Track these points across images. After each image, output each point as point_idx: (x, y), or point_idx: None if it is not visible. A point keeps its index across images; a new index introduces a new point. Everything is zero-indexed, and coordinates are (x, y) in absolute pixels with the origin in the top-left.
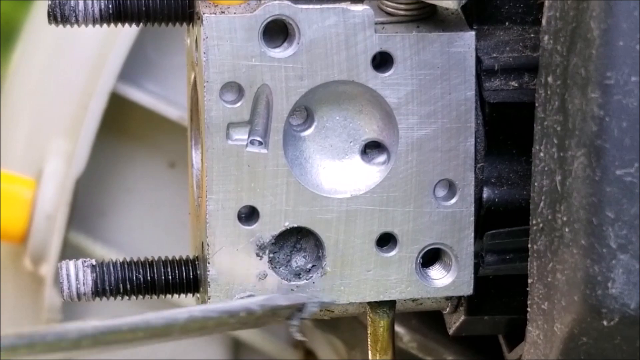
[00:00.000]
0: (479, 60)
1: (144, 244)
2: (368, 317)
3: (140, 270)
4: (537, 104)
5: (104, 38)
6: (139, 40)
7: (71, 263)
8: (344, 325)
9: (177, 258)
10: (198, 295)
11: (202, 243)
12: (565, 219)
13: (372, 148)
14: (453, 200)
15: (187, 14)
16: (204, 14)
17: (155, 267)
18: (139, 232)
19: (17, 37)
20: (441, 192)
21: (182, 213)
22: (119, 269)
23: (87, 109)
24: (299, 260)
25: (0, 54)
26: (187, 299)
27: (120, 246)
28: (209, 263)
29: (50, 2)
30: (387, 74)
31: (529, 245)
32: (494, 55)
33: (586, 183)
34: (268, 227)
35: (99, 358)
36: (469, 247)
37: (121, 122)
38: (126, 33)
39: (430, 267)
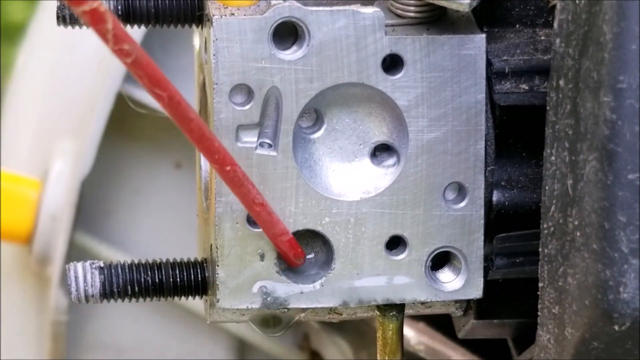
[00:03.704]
0: (489, 63)
1: (150, 245)
2: (377, 320)
3: (149, 273)
4: (548, 108)
5: None
6: (146, 41)
7: (79, 265)
8: (350, 326)
9: (186, 260)
10: (206, 297)
11: (211, 245)
12: (576, 223)
13: (381, 151)
14: (463, 204)
15: (196, 16)
16: (213, 15)
17: (163, 270)
18: (145, 232)
19: (22, 37)
20: (451, 195)
21: (188, 213)
22: (127, 271)
23: (94, 110)
24: (308, 263)
25: (2, 54)
26: (195, 301)
27: (126, 247)
28: (218, 266)
29: (58, 3)
30: (397, 77)
31: (540, 249)
32: (505, 57)
33: (598, 187)
34: None
35: (106, 359)
36: (479, 250)
37: (127, 123)
38: (133, 34)
39: (440, 271)
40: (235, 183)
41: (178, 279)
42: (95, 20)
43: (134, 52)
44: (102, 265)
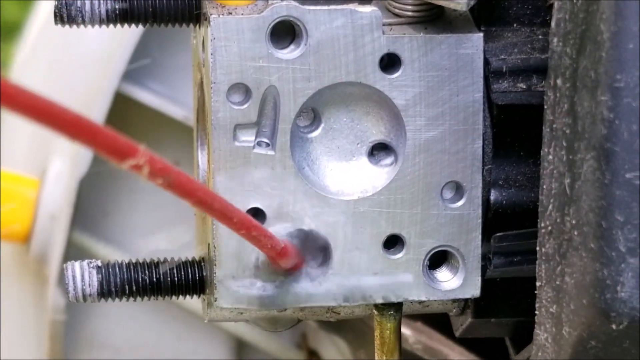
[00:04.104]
0: (487, 62)
1: (148, 244)
2: (375, 319)
3: (146, 272)
4: (546, 107)
5: (109, 38)
6: (144, 40)
7: (77, 264)
8: (348, 325)
9: (183, 259)
10: (204, 296)
11: (209, 245)
12: (574, 222)
13: (379, 150)
14: (460, 203)
15: (193, 15)
16: (211, 14)
17: (161, 269)
18: (143, 232)
19: (20, 35)
20: (448, 194)
21: (186, 213)
22: (124, 270)
23: (92, 109)
24: (305, 262)
25: (2, 53)
26: (192, 300)
27: (124, 246)
28: (215, 265)
29: (56, 2)
30: (394, 76)
31: (537, 248)
32: (502, 56)
33: (595, 186)
34: (274, 229)
35: (104, 358)
36: (477, 249)
37: (125, 122)
38: (131, 33)
39: (438, 270)
40: (255, 242)
41: (176, 278)
42: (136, 170)
43: (167, 180)
44: (99, 264)
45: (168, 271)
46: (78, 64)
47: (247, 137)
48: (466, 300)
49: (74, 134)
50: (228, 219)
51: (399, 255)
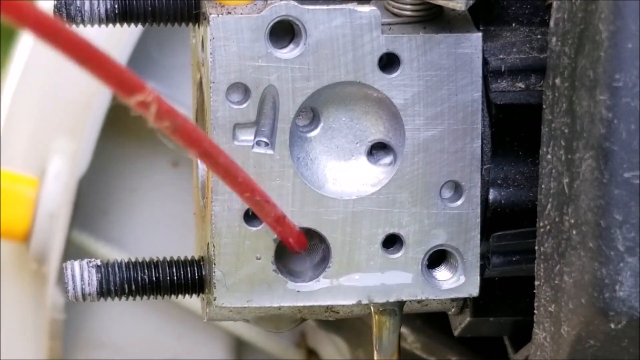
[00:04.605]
0: (485, 62)
1: (147, 243)
2: (373, 318)
3: (146, 271)
4: (544, 106)
5: (108, 37)
6: (143, 40)
7: (76, 263)
8: (347, 324)
9: (183, 259)
10: (203, 296)
11: (208, 244)
12: (572, 221)
13: (378, 149)
14: (459, 202)
15: (192, 15)
16: (210, 14)
17: (160, 268)
18: (142, 231)
19: (19, 34)
20: (447, 194)
21: (185, 212)
22: (124, 269)
23: (90, 108)
24: (304, 261)
25: (2, 51)
26: (192, 299)
27: (123, 245)
28: (214, 264)
29: (56, 2)
30: (393, 75)
31: (536, 248)
32: (501, 56)
33: (594, 185)
34: None
35: (103, 357)
36: (475, 248)
37: (124, 121)
38: (130, 32)
39: (436, 269)
40: (257, 209)
41: (175, 277)
42: (142, 108)
43: (174, 124)
44: (99, 263)
45: (167, 270)
46: None
47: (246, 137)
48: (465, 299)
49: (83, 59)
50: (232, 177)
51: (398, 255)
